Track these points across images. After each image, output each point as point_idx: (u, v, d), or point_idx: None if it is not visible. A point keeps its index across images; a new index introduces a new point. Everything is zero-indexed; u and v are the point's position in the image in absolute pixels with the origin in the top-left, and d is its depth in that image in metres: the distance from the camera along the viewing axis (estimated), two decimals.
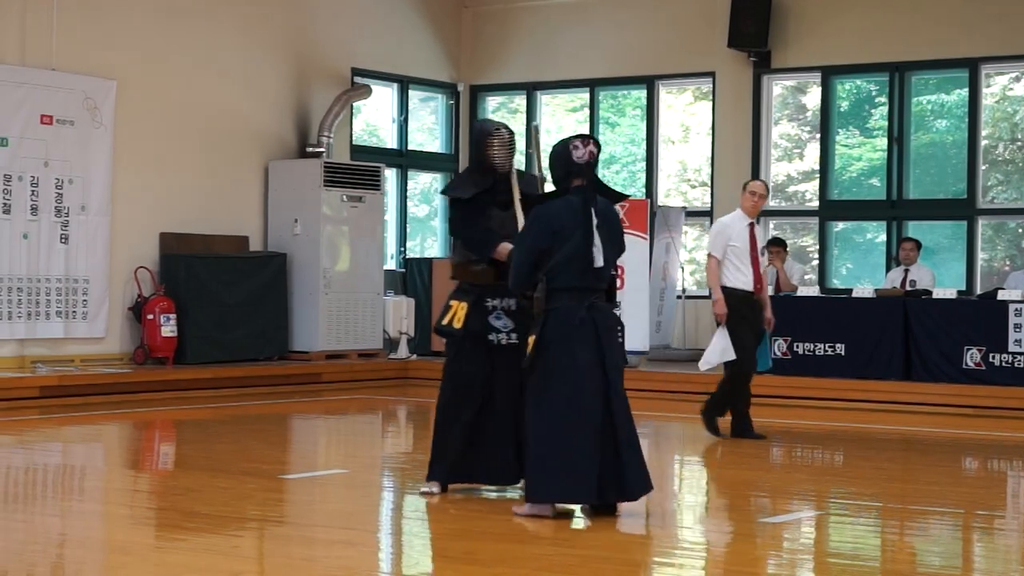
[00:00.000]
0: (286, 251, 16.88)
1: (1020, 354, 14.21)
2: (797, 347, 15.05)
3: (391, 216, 18.97)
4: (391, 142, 19.40)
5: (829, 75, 17.76)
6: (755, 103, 18.08)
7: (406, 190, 19.44)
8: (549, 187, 8.36)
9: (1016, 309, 14.25)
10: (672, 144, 19.27)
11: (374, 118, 19.46)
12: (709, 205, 18.47)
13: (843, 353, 14.98)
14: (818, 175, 17.85)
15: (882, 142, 17.62)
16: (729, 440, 11.81)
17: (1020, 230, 17.54)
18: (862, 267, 18.12)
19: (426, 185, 20.22)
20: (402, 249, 18.99)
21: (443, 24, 19.67)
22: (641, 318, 16.52)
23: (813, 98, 18.19)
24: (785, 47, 17.80)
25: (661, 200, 18.73)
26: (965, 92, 17.12)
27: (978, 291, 16.50)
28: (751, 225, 11.78)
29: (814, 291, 15.78)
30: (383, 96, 19.14)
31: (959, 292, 15.58)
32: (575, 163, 8.06)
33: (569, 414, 7.91)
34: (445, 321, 8.68)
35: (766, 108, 18.19)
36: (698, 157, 19.06)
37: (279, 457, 11.12)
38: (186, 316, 15.53)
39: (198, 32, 16.42)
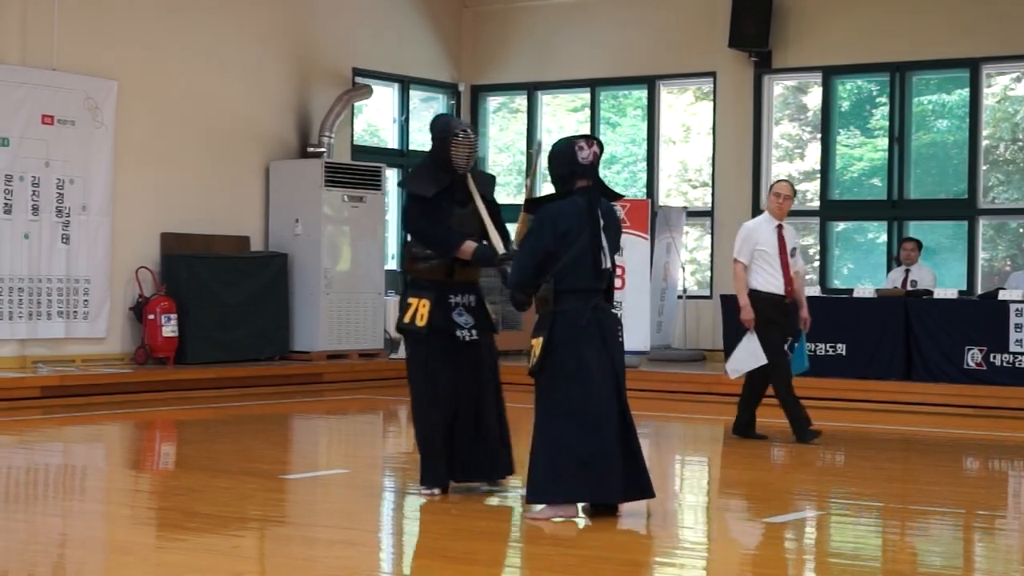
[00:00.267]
0: (287, 251, 16.89)
1: (1021, 354, 14.20)
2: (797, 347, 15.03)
3: (392, 216, 18.97)
4: (392, 142, 19.40)
5: (830, 75, 17.76)
6: (756, 103, 18.09)
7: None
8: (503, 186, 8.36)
9: (1017, 309, 14.24)
10: (673, 144, 19.27)
11: (375, 118, 19.46)
12: (710, 205, 18.48)
13: (844, 353, 14.98)
14: (819, 175, 17.85)
15: (883, 142, 17.62)
16: (730, 439, 11.81)
17: (1021, 230, 17.54)
18: (863, 267, 18.12)
19: None
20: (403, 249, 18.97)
21: (444, 24, 19.68)
22: (642, 318, 16.52)
23: (814, 98, 18.19)
24: (786, 47, 17.80)
25: (662, 200, 18.73)
26: (966, 92, 17.12)
27: (979, 291, 16.50)
28: (779, 227, 11.66)
29: (815, 291, 15.77)
30: (384, 96, 19.15)
31: (960, 292, 15.58)
32: (580, 164, 8.04)
33: (586, 414, 7.90)
34: (407, 319, 8.60)
35: (767, 108, 18.19)
36: (699, 157, 19.06)
37: (280, 457, 11.13)
38: (187, 316, 15.53)
39: (199, 32, 16.42)
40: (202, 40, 16.46)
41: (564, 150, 8.07)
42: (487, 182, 8.95)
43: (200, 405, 14.22)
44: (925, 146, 17.63)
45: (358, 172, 17.25)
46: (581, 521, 7.97)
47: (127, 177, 15.59)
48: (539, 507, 7.98)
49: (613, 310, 8.28)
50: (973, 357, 14.44)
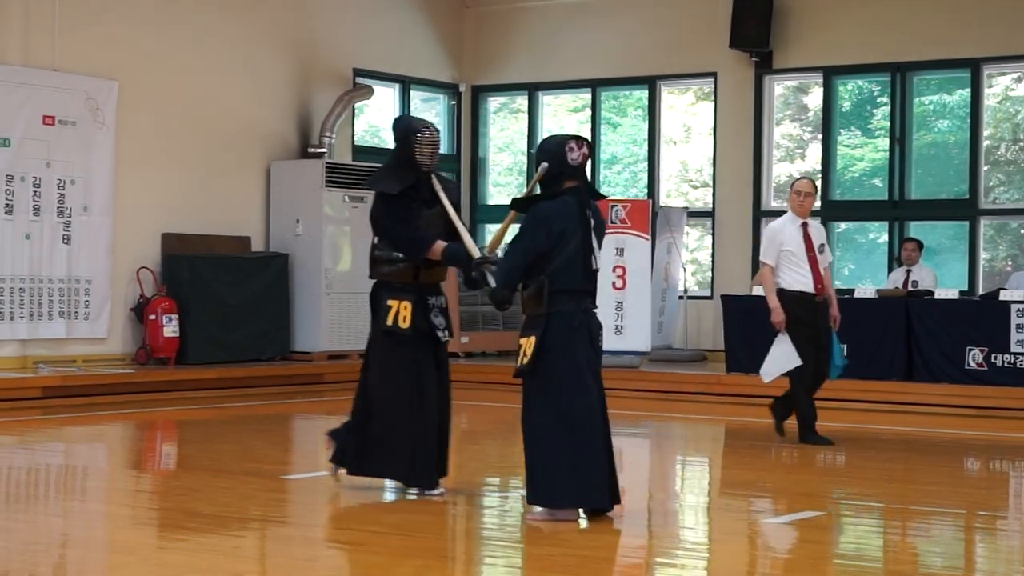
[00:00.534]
0: (288, 251, 16.89)
1: (1022, 354, 14.20)
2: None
3: None
4: (393, 143, 19.35)
5: (831, 75, 17.76)
6: (757, 103, 18.08)
7: None
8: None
9: (1018, 309, 14.23)
10: (674, 144, 19.27)
11: (376, 119, 19.46)
12: (711, 205, 18.47)
13: (845, 353, 14.95)
14: (820, 175, 17.84)
15: (884, 142, 17.62)
16: (732, 440, 11.82)
17: (1022, 230, 17.54)
18: (864, 267, 18.12)
19: None
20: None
21: (445, 24, 19.68)
22: (643, 318, 16.52)
23: (815, 98, 18.19)
24: (786, 47, 17.80)
25: (663, 200, 18.73)
26: (967, 92, 17.12)
27: (980, 291, 16.50)
28: (804, 225, 11.60)
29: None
30: (385, 97, 19.15)
31: (961, 292, 15.58)
32: (570, 165, 8.03)
33: (576, 417, 7.89)
34: (390, 322, 8.59)
35: (768, 108, 18.19)
36: (700, 157, 19.06)
37: (281, 457, 11.13)
38: (188, 316, 15.54)
39: (200, 33, 16.43)
40: (203, 41, 16.46)
41: (554, 150, 8.04)
42: (452, 188, 8.96)
43: (201, 405, 14.22)
44: (926, 146, 17.62)
45: (359, 172, 17.24)
46: (583, 522, 7.97)
47: (128, 177, 15.60)
48: (539, 508, 7.98)
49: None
50: (974, 357, 14.43)
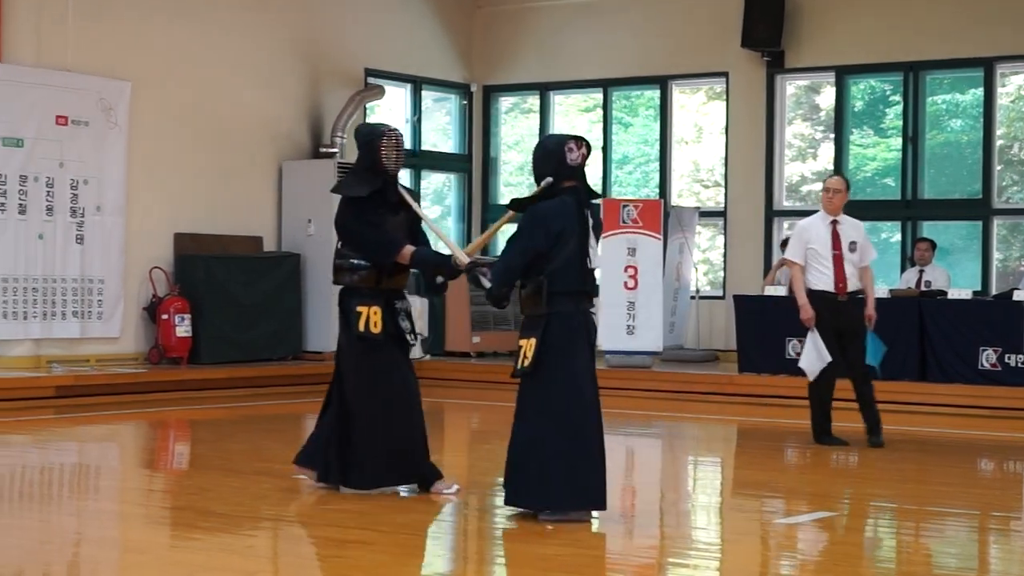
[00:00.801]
0: (300, 251, 16.90)
1: None
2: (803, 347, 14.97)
3: None
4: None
5: (843, 75, 17.74)
6: (768, 103, 18.07)
7: (420, 190, 19.45)
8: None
9: None
10: (685, 144, 19.26)
11: (387, 119, 19.45)
12: (723, 205, 18.46)
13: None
14: (832, 175, 17.79)
15: (897, 142, 17.59)
16: (744, 440, 11.80)
17: None
18: (877, 267, 17.93)
19: (439, 185, 20.24)
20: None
21: (456, 25, 19.68)
22: (655, 318, 16.51)
23: (827, 98, 18.17)
24: (798, 47, 17.78)
25: (674, 200, 18.72)
26: (980, 92, 17.09)
27: (993, 291, 16.47)
28: (833, 223, 11.51)
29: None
30: (396, 97, 19.16)
31: (974, 292, 15.55)
32: (568, 165, 8.02)
33: (573, 419, 7.87)
34: (362, 328, 8.56)
35: (779, 108, 18.17)
36: (711, 157, 19.05)
37: (293, 457, 11.11)
38: (200, 316, 15.56)
39: (212, 34, 16.45)
40: (215, 41, 16.48)
41: (554, 150, 8.03)
42: (415, 197, 8.98)
43: (213, 405, 14.23)
44: (939, 146, 17.60)
45: None
46: (595, 522, 7.96)
47: (141, 177, 15.63)
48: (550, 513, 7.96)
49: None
50: (987, 358, 14.40)
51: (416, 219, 8.87)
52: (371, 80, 18.33)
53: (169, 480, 9.98)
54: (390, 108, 19.23)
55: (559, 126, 19.86)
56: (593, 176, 19.59)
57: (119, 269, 15.36)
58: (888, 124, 17.90)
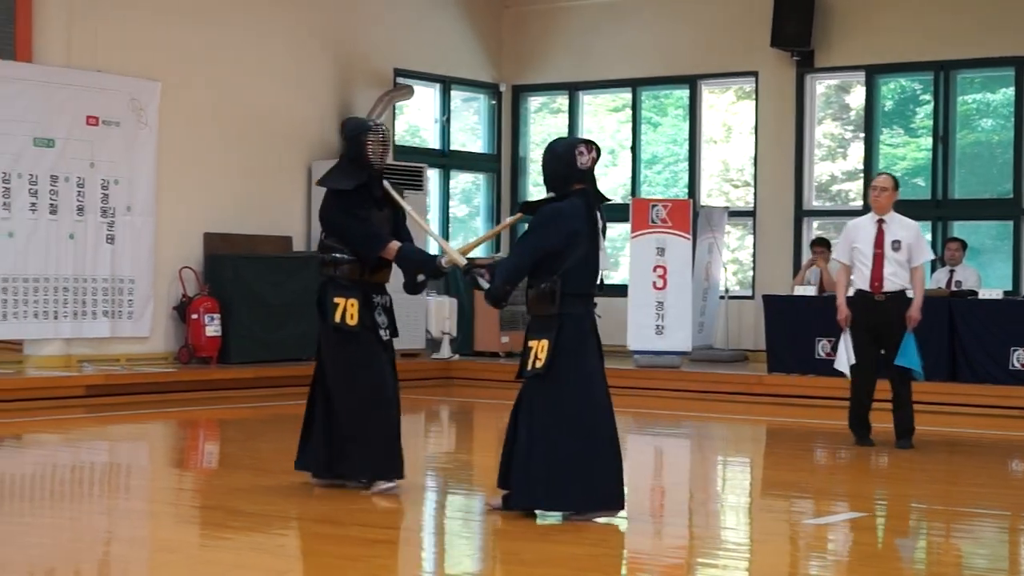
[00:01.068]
0: None
1: None
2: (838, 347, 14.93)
3: (433, 216, 19.01)
4: (433, 142, 19.43)
5: (873, 74, 17.68)
6: (798, 102, 18.02)
7: (448, 190, 19.48)
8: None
9: None
10: (714, 144, 19.23)
11: (416, 118, 19.50)
12: (752, 205, 18.42)
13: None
14: (862, 175, 17.78)
15: (927, 141, 17.53)
16: (773, 440, 11.77)
17: None
18: None
19: (468, 185, 20.26)
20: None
21: (485, 24, 19.69)
22: (684, 318, 16.50)
23: (857, 97, 18.12)
24: (828, 46, 17.73)
25: (704, 200, 18.69)
26: (1011, 91, 17.01)
27: None
28: (879, 222, 11.40)
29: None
30: (425, 96, 19.18)
31: (1005, 292, 15.48)
32: (579, 168, 8.02)
33: (585, 420, 7.88)
34: (338, 319, 8.60)
35: (809, 107, 18.12)
36: (741, 157, 19.01)
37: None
38: (230, 316, 15.59)
39: (241, 34, 16.49)
40: (245, 41, 16.53)
41: (564, 154, 8.04)
42: (399, 193, 9.01)
43: (243, 404, 14.27)
44: (969, 145, 17.53)
45: (400, 172, 17.27)
46: (623, 522, 7.96)
47: (171, 177, 15.68)
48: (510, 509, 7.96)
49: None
50: (1019, 358, 14.34)
51: (400, 215, 8.90)
52: (400, 80, 18.36)
53: (199, 479, 10.01)
54: (419, 108, 19.26)
55: (588, 126, 19.86)
56: (622, 176, 19.58)
57: (149, 269, 15.42)
58: (918, 124, 17.84)
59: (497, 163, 19.95)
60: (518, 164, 20.15)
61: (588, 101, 19.96)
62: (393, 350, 8.87)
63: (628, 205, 17.21)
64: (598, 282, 8.11)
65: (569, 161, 7.99)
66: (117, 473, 10.34)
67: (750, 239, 18.59)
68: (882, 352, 11.33)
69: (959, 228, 17.21)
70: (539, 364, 7.87)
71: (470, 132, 20.14)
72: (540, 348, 7.89)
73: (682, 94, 19.11)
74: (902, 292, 11.30)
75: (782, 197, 18.08)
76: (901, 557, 7.49)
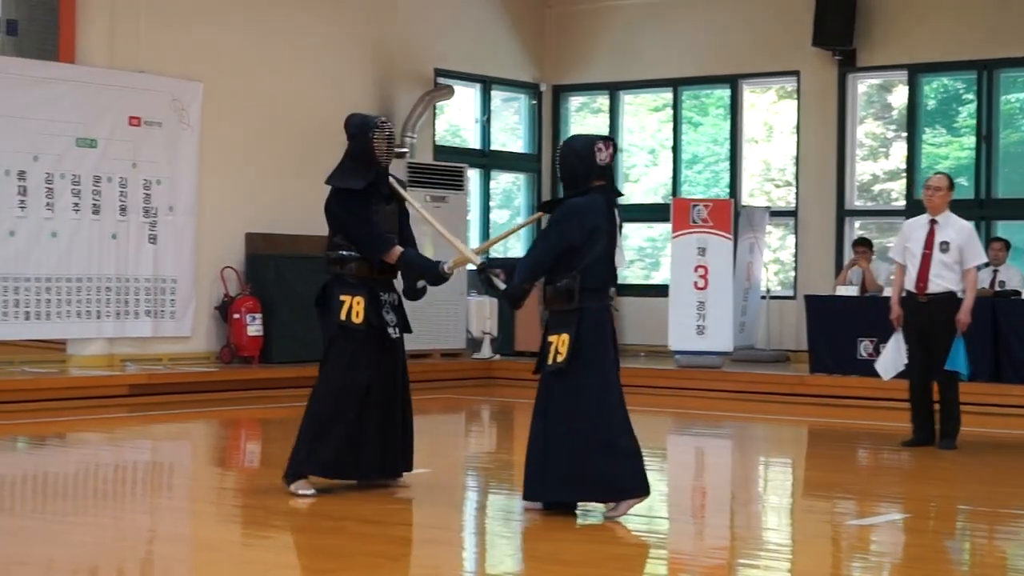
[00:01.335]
0: None
1: None
2: (883, 348, 14.84)
3: (474, 216, 19.02)
4: (474, 142, 19.44)
5: (916, 73, 17.59)
6: (840, 102, 17.95)
7: (489, 190, 19.48)
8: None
9: None
10: (756, 143, 19.17)
11: (457, 118, 19.51)
12: (793, 205, 18.36)
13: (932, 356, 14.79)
14: (904, 175, 17.69)
15: (970, 140, 17.43)
16: (815, 441, 11.72)
17: None
18: None
19: (508, 186, 20.26)
20: (484, 242, 18.99)
21: (526, 24, 19.69)
22: (725, 319, 16.46)
23: (899, 97, 18.03)
24: (871, 46, 17.65)
25: (745, 200, 18.64)
26: None
27: None
28: (931, 222, 11.28)
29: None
30: (466, 96, 19.19)
31: None
32: (598, 165, 8.03)
33: (607, 412, 7.89)
34: (343, 316, 8.56)
35: (851, 107, 18.04)
36: (782, 156, 18.94)
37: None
38: (272, 315, 15.64)
39: (283, 34, 16.54)
40: (285, 41, 16.57)
41: (583, 150, 8.05)
42: (404, 188, 8.97)
43: (284, 404, 14.29)
44: (1013, 144, 17.41)
45: (440, 172, 17.30)
46: (665, 522, 7.95)
47: (212, 178, 15.74)
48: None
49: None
50: None
51: (404, 210, 8.87)
52: (441, 80, 18.38)
53: (240, 479, 10.05)
54: (459, 108, 19.27)
55: (628, 126, 19.84)
56: (663, 176, 19.55)
57: (191, 269, 15.49)
58: (961, 123, 17.73)
59: (537, 163, 19.95)
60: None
61: (629, 101, 19.93)
62: (403, 349, 8.80)
63: (669, 205, 17.17)
64: (614, 277, 8.14)
65: (588, 158, 8.02)
66: (159, 472, 10.39)
67: (791, 239, 18.52)
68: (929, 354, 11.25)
69: (1003, 228, 17.10)
70: (560, 359, 7.90)
71: (510, 132, 20.15)
72: (560, 343, 7.91)
73: (723, 94, 19.06)
74: (948, 294, 11.18)
75: (824, 197, 18.00)
76: (945, 559, 7.45)
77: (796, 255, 18.32)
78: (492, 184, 19.62)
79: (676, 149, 19.24)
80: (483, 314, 17.56)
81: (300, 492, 8.51)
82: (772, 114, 19.16)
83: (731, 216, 16.74)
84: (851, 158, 18.07)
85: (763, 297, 17.87)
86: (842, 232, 17.93)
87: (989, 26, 17.01)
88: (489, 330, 17.61)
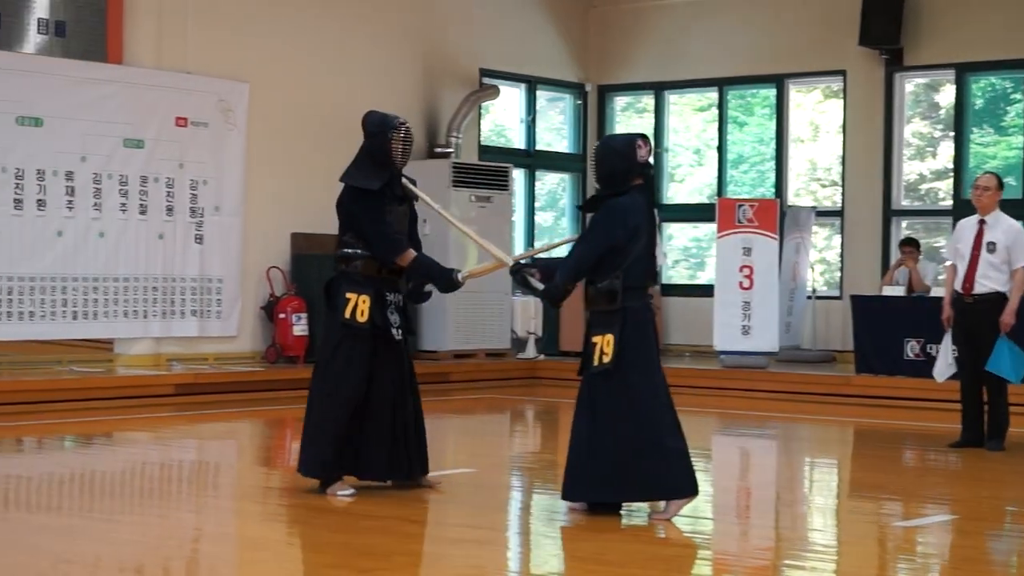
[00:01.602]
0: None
1: None
2: (930, 348, 14.78)
3: (519, 216, 19.02)
4: (519, 142, 19.45)
5: (963, 72, 17.48)
6: (887, 101, 17.86)
7: (534, 190, 19.48)
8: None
9: None
10: (801, 143, 19.10)
11: (502, 118, 19.53)
12: (840, 205, 18.28)
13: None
14: (951, 174, 17.59)
15: (1018, 140, 17.32)
16: (861, 441, 11.67)
17: None
18: None
19: (553, 185, 20.25)
20: (530, 249, 19.00)
21: (571, 24, 19.68)
22: (771, 319, 16.41)
23: (946, 96, 17.93)
24: (918, 45, 17.55)
25: (791, 200, 18.58)
26: None
27: None
28: (980, 222, 11.19)
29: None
30: (511, 96, 19.20)
31: None
32: (638, 162, 8.03)
33: (656, 409, 7.88)
34: (347, 315, 8.50)
35: (898, 106, 17.95)
36: (828, 156, 18.86)
37: None
38: (317, 315, 15.66)
39: (328, 34, 16.59)
40: (331, 42, 16.62)
41: (624, 149, 8.04)
42: (410, 180, 8.95)
43: None
44: None
45: (485, 172, 17.31)
46: (709, 523, 7.93)
47: (258, 178, 15.80)
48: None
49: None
50: None
51: (414, 212, 8.85)
52: (486, 80, 18.39)
53: (286, 478, 10.07)
54: (504, 108, 19.29)
55: (673, 126, 19.80)
56: (708, 176, 19.50)
57: (237, 268, 15.55)
58: (1009, 122, 17.62)
59: (583, 163, 19.93)
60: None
61: (674, 100, 19.90)
62: (404, 350, 8.77)
63: (714, 205, 17.13)
64: (655, 275, 8.16)
65: (630, 156, 8.02)
66: (205, 471, 10.44)
67: (837, 239, 18.44)
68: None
69: None
70: (606, 359, 7.89)
71: (555, 132, 20.14)
72: (605, 343, 7.90)
73: (768, 93, 19.00)
74: (995, 295, 11.09)
75: (870, 196, 17.92)
76: (992, 560, 7.40)
77: (842, 255, 18.24)
78: (537, 184, 19.61)
79: (721, 149, 19.19)
80: (528, 314, 17.57)
81: (339, 494, 8.52)
82: (818, 113, 19.09)
83: (777, 216, 16.69)
84: (898, 158, 17.97)
85: (809, 297, 17.80)
86: (889, 232, 17.84)
87: None
88: (534, 330, 17.61)
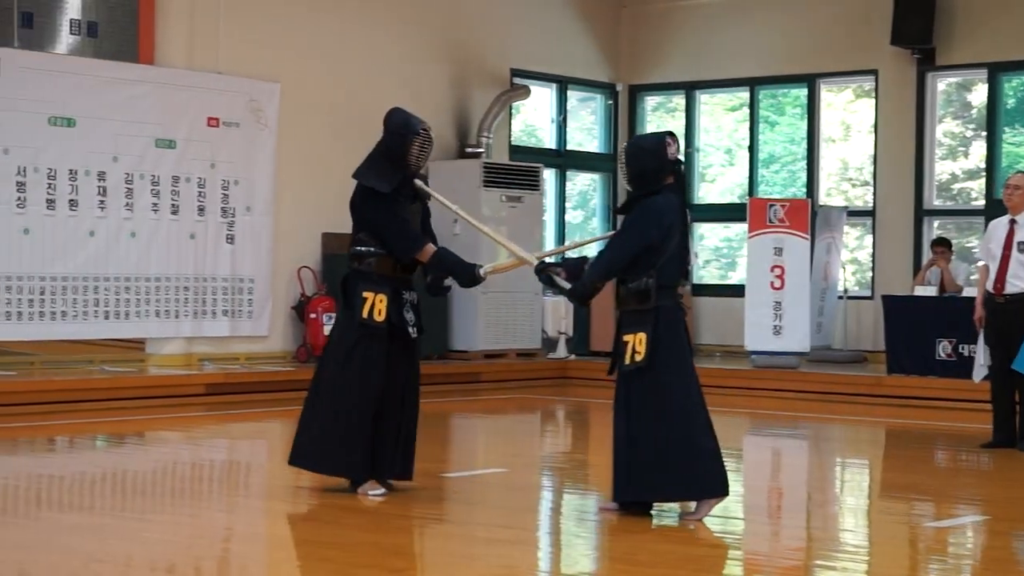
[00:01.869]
0: None
1: None
2: (962, 349, 14.73)
3: (550, 216, 19.01)
4: (549, 142, 19.44)
5: (995, 72, 17.40)
6: (919, 101, 17.79)
7: (564, 190, 19.48)
8: None
9: None
10: (833, 143, 19.04)
11: (533, 118, 19.52)
12: (871, 204, 18.22)
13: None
14: (983, 173, 17.51)
15: None
16: (892, 442, 11.63)
17: None
18: None
19: (584, 186, 20.24)
20: (555, 248, 18.99)
21: (602, 24, 19.67)
22: (802, 319, 16.37)
23: (979, 95, 17.85)
24: (950, 44, 17.48)
25: (822, 200, 18.52)
26: None
27: None
28: (1011, 222, 11.13)
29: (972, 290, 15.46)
30: (542, 96, 19.20)
31: None
32: (669, 160, 8.02)
33: (689, 408, 7.87)
34: (365, 314, 8.45)
35: (930, 106, 17.88)
36: (860, 156, 18.80)
37: (439, 455, 11.19)
38: None
39: (359, 35, 16.62)
40: (362, 42, 16.65)
41: (655, 147, 8.04)
42: (422, 179, 8.93)
43: None
44: None
45: (516, 172, 17.31)
46: (740, 523, 7.91)
47: (289, 178, 15.84)
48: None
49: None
50: None
51: (427, 209, 8.83)
52: (517, 80, 18.39)
53: (316, 478, 10.07)
54: (535, 108, 19.28)
55: (704, 125, 19.77)
56: (739, 175, 19.46)
57: (268, 268, 15.59)
58: None
59: (614, 163, 19.90)
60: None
61: (705, 100, 19.86)
62: (417, 348, 8.75)
63: (745, 205, 17.10)
64: (687, 274, 8.18)
65: (660, 154, 8.01)
66: (236, 471, 10.47)
67: (869, 239, 18.38)
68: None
69: None
70: (639, 357, 7.87)
71: (586, 132, 20.13)
72: (638, 341, 7.88)
73: (800, 93, 18.95)
74: None
75: (902, 196, 17.86)
76: (1022, 562, 7.37)
77: (873, 255, 18.18)
78: (568, 185, 19.60)
79: (753, 149, 19.15)
80: (559, 314, 17.56)
81: (370, 494, 8.52)
82: (849, 113, 19.03)
83: (808, 216, 16.64)
84: (930, 157, 17.90)
85: (840, 297, 17.75)
86: (920, 232, 17.77)
87: None
88: (564, 330, 17.60)
